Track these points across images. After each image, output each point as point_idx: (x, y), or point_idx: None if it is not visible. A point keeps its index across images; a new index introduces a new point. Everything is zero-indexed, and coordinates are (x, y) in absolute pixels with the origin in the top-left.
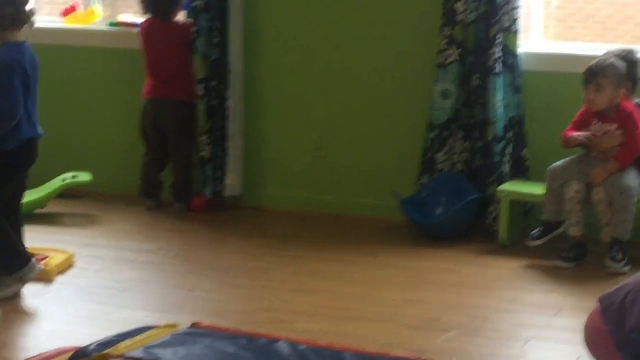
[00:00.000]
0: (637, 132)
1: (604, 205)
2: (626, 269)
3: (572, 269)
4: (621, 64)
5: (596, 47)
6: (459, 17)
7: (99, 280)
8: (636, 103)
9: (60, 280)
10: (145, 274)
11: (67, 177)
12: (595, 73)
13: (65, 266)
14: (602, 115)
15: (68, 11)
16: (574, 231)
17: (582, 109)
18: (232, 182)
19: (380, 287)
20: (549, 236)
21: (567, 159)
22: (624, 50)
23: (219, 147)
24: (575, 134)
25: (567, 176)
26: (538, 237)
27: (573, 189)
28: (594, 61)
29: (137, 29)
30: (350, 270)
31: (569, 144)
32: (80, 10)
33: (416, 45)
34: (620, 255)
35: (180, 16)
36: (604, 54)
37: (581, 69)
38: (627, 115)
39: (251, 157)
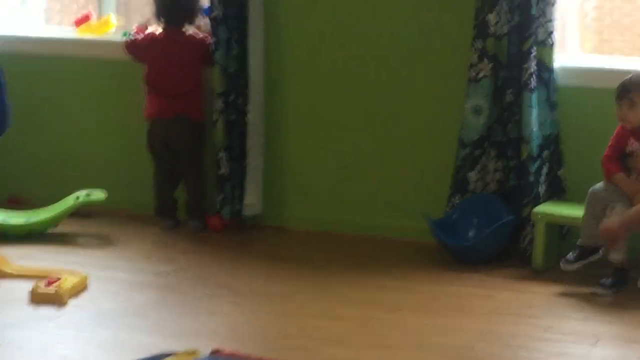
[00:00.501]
0: None
1: None
2: None
3: (612, 296)
4: None
5: (634, 61)
6: (492, 30)
7: (114, 304)
8: None
9: (73, 303)
10: (162, 298)
11: (80, 195)
12: (628, 89)
13: (79, 289)
14: (638, 133)
15: (81, 21)
16: (616, 257)
17: (618, 128)
18: (251, 201)
19: (409, 313)
20: (585, 262)
21: None
22: None
23: (238, 164)
24: (619, 177)
25: (611, 198)
26: (573, 262)
27: (618, 212)
28: (627, 76)
29: (139, 37)
30: (378, 295)
31: (610, 181)
32: (93, 19)
33: (446, 58)
34: None
35: (199, 27)
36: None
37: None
38: None
39: (272, 175)
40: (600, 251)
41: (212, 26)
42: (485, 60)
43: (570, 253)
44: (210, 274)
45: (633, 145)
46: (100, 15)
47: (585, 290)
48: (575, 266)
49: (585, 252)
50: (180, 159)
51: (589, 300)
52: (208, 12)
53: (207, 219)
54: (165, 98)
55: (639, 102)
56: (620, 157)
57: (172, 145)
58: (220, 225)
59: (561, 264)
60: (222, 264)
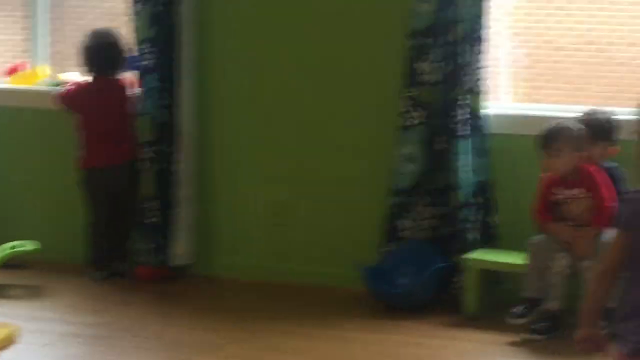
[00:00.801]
0: (603, 193)
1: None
2: None
3: (545, 341)
4: (578, 127)
5: (565, 109)
6: (423, 78)
7: (45, 357)
8: (609, 166)
9: (2, 357)
10: (94, 350)
11: (10, 247)
12: (550, 138)
13: (8, 342)
14: (565, 180)
15: (13, 70)
16: (555, 305)
17: (543, 178)
18: (182, 250)
19: None
20: (532, 314)
21: None
22: (586, 113)
23: (168, 213)
24: (552, 227)
25: (551, 248)
26: (521, 316)
27: (561, 263)
28: (548, 126)
29: (71, 88)
30: (311, 344)
31: (544, 231)
32: (26, 69)
33: (378, 107)
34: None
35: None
36: (564, 119)
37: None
38: (588, 176)
39: (203, 224)
40: (544, 301)
41: (142, 75)
42: (417, 108)
43: (517, 307)
44: (142, 325)
45: (561, 193)
46: (34, 64)
47: (517, 336)
48: (524, 320)
49: (531, 304)
50: (119, 204)
51: (522, 346)
52: (135, 62)
53: (135, 269)
54: (107, 146)
55: (561, 150)
56: (551, 206)
57: (116, 191)
58: (149, 275)
59: (509, 319)
60: (154, 315)
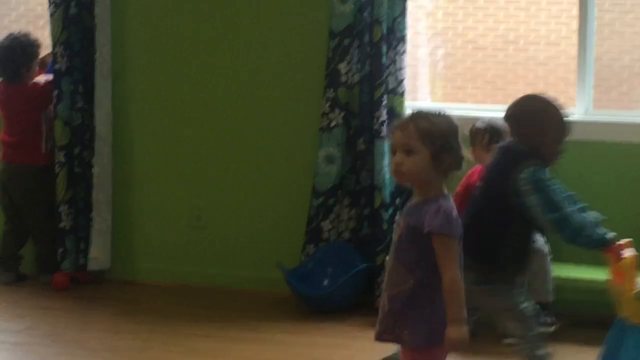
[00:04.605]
0: None
1: None
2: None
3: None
4: None
5: (485, 108)
6: (343, 79)
7: None
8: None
9: None
10: (13, 357)
11: None
12: (501, 132)
13: None
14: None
15: None
16: None
17: (472, 173)
18: (98, 255)
19: None
20: None
21: None
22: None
23: (82, 217)
24: None
25: None
26: None
27: None
28: (493, 119)
29: None
30: (234, 347)
31: None
32: None
33: (299, 108)
34: (549, 319)
35: (40, 78)
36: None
37: (469, 130)
38: None
39: (120, 228)
40: None
41: (55, 78)
42: (337, 109)
43: None
44: (62, 330)
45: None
46: None
47: None
48: None
49: None
50: (24, 208)
51: None
52: (52, 66)
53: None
54: (12, 143)
55: None
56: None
57: (9, 192)
58: (65, 283)
59: None
60: (73, 320)
